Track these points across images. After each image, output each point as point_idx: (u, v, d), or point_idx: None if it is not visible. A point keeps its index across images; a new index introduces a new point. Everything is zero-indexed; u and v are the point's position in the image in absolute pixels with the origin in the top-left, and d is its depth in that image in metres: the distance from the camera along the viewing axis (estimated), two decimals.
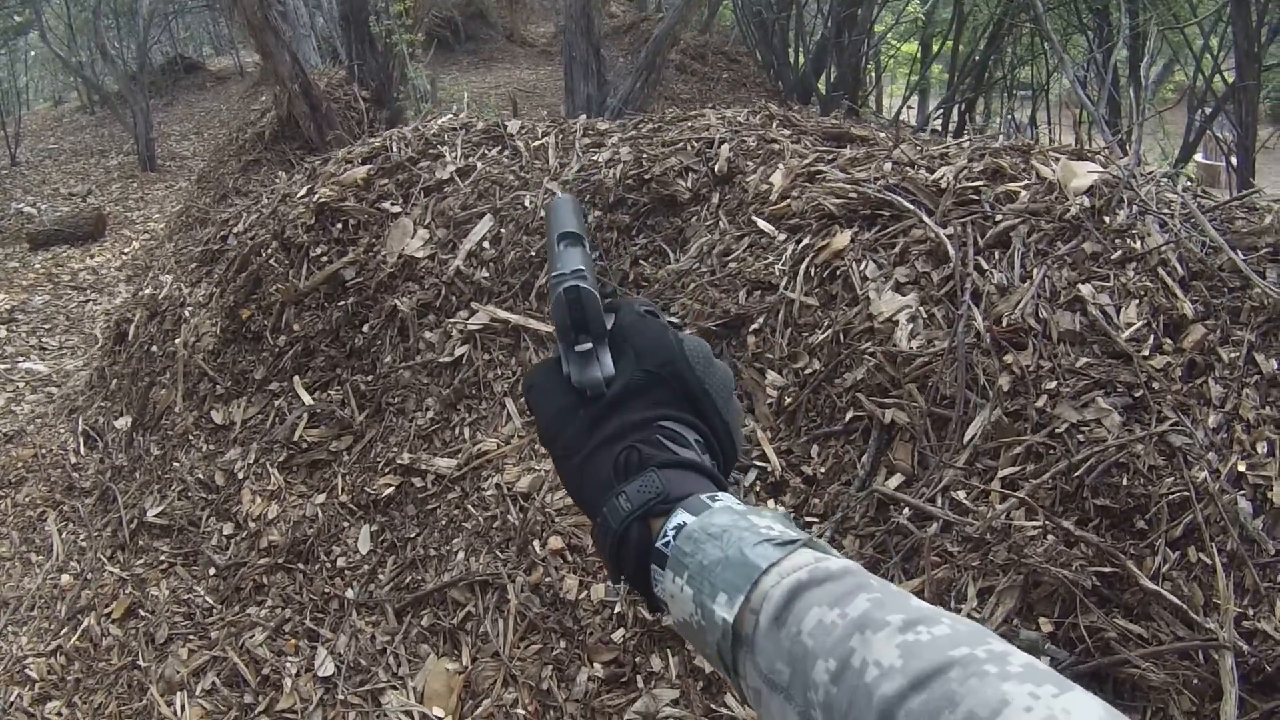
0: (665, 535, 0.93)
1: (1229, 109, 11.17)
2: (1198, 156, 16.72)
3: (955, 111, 19.52)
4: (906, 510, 3.16)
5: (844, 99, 17.55)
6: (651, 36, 11.91)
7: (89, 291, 10.30)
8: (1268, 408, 3.15)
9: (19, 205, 13.78)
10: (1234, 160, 11.10)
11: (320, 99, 11.03)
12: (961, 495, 3.13)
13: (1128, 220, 3.67)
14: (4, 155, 16.39)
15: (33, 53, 20.15)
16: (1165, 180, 4.08)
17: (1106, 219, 3.69)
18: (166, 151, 16.06)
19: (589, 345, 1.09)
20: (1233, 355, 3.26)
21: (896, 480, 3.28)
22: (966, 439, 3.22)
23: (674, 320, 3.84)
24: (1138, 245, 3.57)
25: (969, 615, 2.87)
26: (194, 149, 16.34)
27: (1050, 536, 2.95)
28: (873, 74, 22.71)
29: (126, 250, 11.59)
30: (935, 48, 20.25)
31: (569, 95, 12.32)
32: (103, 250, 11.71)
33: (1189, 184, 4.31)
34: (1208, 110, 12.00)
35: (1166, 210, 3.73)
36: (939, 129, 19.36)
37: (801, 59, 18.29)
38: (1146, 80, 13.52)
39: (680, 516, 0.94)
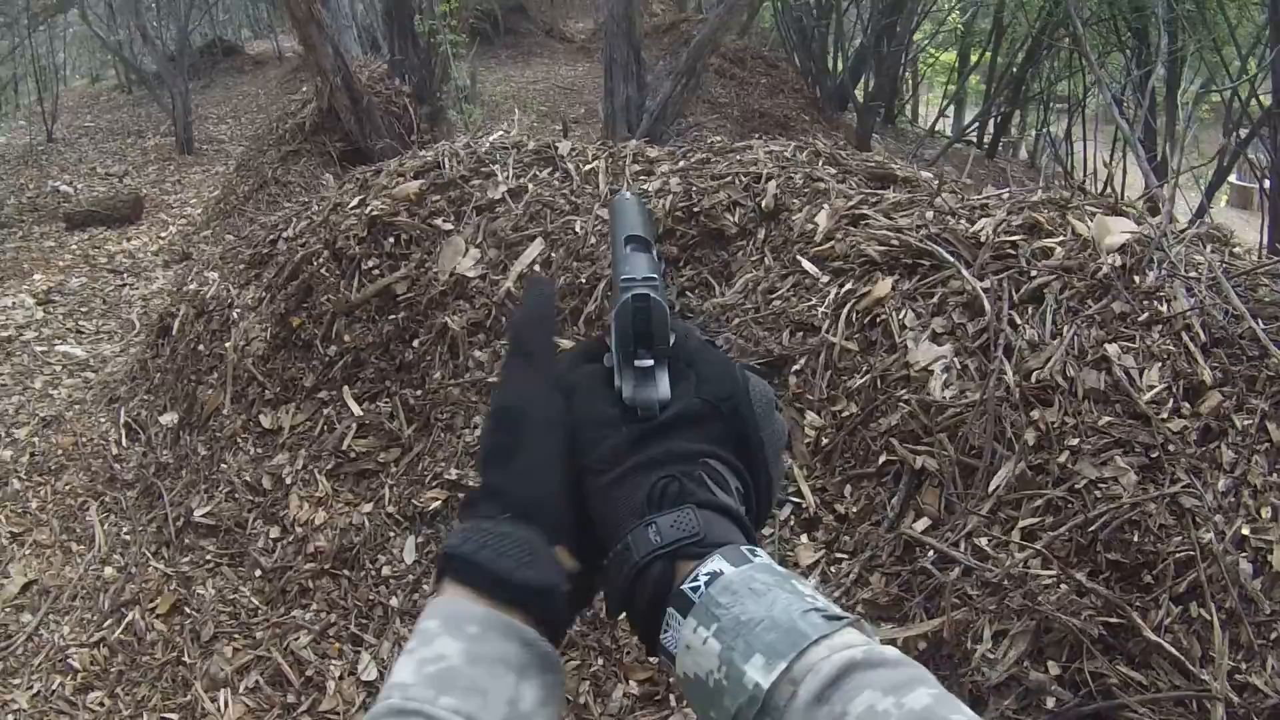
0: (696, 580, 0.87)
1: (1264, 133, 11.15)
2: (1232, 178, 16.74)
3: (991, 124, 19.60)
4: (931, 553, 3.30)
5: (880, 108, 17.65)
6: (693, 41, 11.98)
7: (126, 276, 10.37)
8: (1275, 475, 3.27)
9: (55, 184, 13.87)
10: (1267, 184, 11.09)
11: (362, 92, 11.13)
12: (983, 542, 3.27)
13: (1156, 282, 3.78)
14: (41, 131, 16.49)
15: (71, 29, 20.26)
16: (1196, 241, 4.18)
17: (1136, 279, 3.81)
18: (204, 135, 16.15)
19: (650, 362, 1.02)
20: (1246, 423, 3.37)
21: (923, 524, 3.42)
22: (991, 489, 3.36)
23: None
24: (1164, 309, 3.67)
25: (983, 656, 3.06)
26: (231, 133, 16.42)
27: (1064, 586, 3.09)
28: (910, 83, 22.80)
29: (163, 235, 11.68)
30: (974, 58, 20.28)
31: (608, 96, 12.38)
32: (140, 233, 11.78)
33: (1219, 244, 4.41)
34: (1243, 133, 11.95)
35: (1194, 274, 3.83)
36: (974, 140, 19.47)
37: (840, 66, 18.34)
38: (1183, 110, 13.53)
39: (717, 563, 0.88)
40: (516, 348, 1.09)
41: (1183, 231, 4.24)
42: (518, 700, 0.86)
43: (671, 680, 3.43)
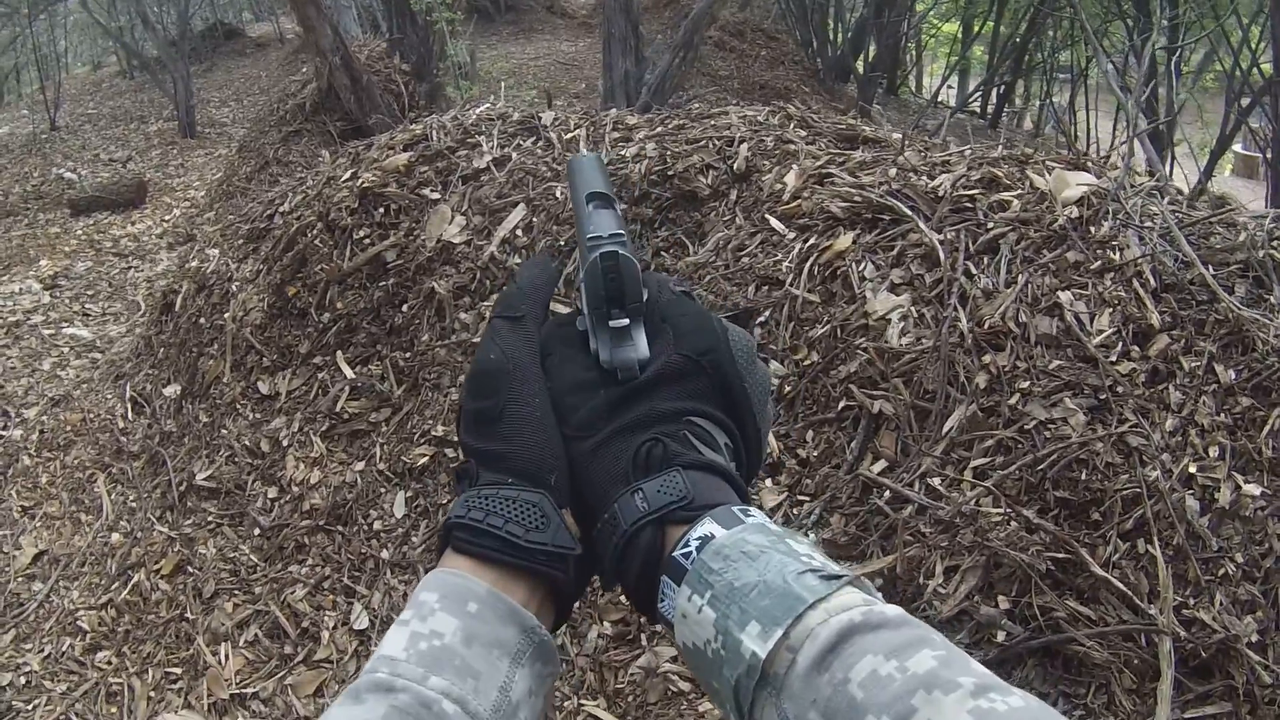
0: (686, 545, 0.85)
1: (1265, 102, 11.15)
2: (1237, 147, 16.74)
3: (994, 93, 19.62)
4: (887, 493, 3.44)
5: (881, 79, 17.68)
6: (690, 14, 12.08)
7: (130, 259, 10.49)
8: (1222, 415, 3.39)
9: (60, 170, 13.99)
10: (1269, 154, 11.10)
11: (361, 72, 11.26)
12: (937, 482, 3.39)
13: (1110, 232, 3.90)
14: (44, 120, 16.60)
15: (72, 17, 20.34)
16: (1154, 193, 4.30)
17: (1093, 229, 3.93)
18: (206, 118, 16.27)
19: (625, 321, 1.00)
20: (1194, 365, 3.49)
21: (880, 465, 3.55)
22: (944, 431, 3.49)
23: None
24: (1116, 257, 3.80)
25: (935, 591, 3.18)
26: (233, 115, 16.52)
27: (1013, 523, 3.20)
28: (913, 53, 22.78)
29: (167, 218, 11.81)
30: (976, 28, 20.27)
31: (607, 71, 12.46)
32: (144, 217, 11.90)
33: (1179, 196, 4.52)
34: (1245, 102, 11.95)
35: (1149, 224, 3.95)
36: (978, 110, 19.50)
37: (841, 38, 18.35)
38: (1180, 73, 13.50)
39: (707, 527, 0.86)
40: (504, 311, 1.05)
41: (1141, 184, 4.35)
42: (509, 688, 0.85)
43: (643, 621, 3.59)
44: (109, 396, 6.43)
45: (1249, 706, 2.95)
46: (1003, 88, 19.48)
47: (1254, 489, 3.23)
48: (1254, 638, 3.01)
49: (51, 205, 12.59)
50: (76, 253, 10.75)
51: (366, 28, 14.85)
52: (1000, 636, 3.11)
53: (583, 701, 3.51)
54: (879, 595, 0.81)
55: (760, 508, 3.61)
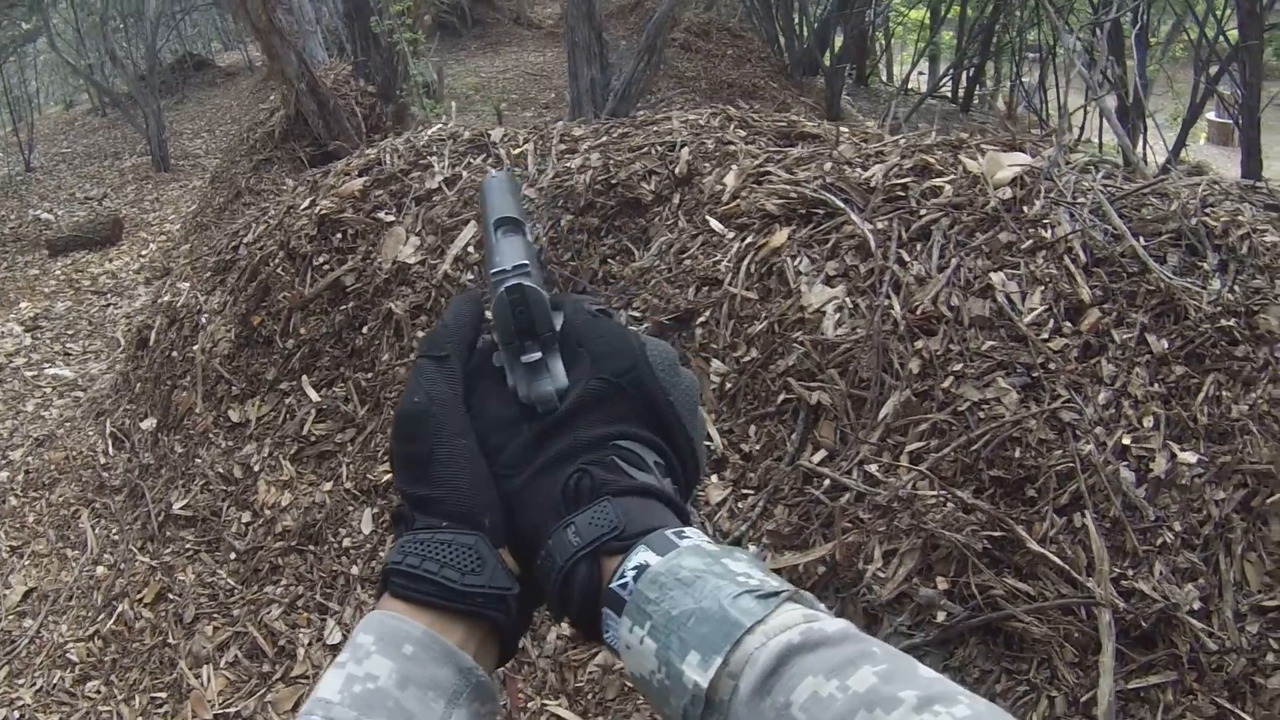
0: (623, 577, 0.85)
1: (1233, 69, 11.23)
2: (1209, 114, 16.82)
3: (965, 77, 19.66)
4: (827, 482, 3.51)
5: (851, 70, 17.69)
6: (653, 18, 12.13)
7: (109, 295, 10.59)
8: (1156, 385, 3.43)
9: (36, 212, 14.07)
10: (1240, 120, 11.17)
11: (327, 96, 11.31)
12: (874, 468, 3.46)
13: (1041, 211, 3.95)
14: (19, 161, 16.67)
15: (42, 57, 20.40)
16: (1090, 168, 4.37)
17: (1025, 209, 3.98)
18: (179, 150, 16.34)
19: (538, 354, 0.98)
20: (1126, 337, 3.53)
21: (820, 455, 3.62)
22: (880, 418, 3.56)
23: (635, 315, 4.23)
24: (1047, 235, 3.86)
25: (874, 575, 3.23)
26: (206, 146, 16.59)
27: (949, 505, 3.26)
28: (882, 42, 22.81)
29: (144, 253, 11.90)
30: (944, 12, 20.24)
31: (573, 80, 12.47)
32: (121, 254, 12.00)
33: (1115, 169, 4.59)
34: (1213, 70, 11.99)
35: (1082, 200, 4.00)
36: (949, 95, 19.55)
37: (807, 31, 18.36)
38: (1146, 44, 13.53)
39: (642, 555, 0.85)
40: (429, 350, 1.03)
41: (1075, 161, 4.42)
42: None
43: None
44: (91, 434, 6.51)
45: (1195, 674, 2.97)
46: (972, 70, 19.50)
47: (1190, 456, 3.26)
48: (1195, 605, 3.04)
49: (29, 247, 12.67)
50: (56, 293, 10.83)
51: (334, 51, 14.91)
52: (940, 617, 3.14)
53: (545, 701, 3.61)
54: (822, 607, 0.81)
55: (702, 515, 3.72)
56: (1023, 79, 18.81)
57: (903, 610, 3.20)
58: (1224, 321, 3.50)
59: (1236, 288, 3.65)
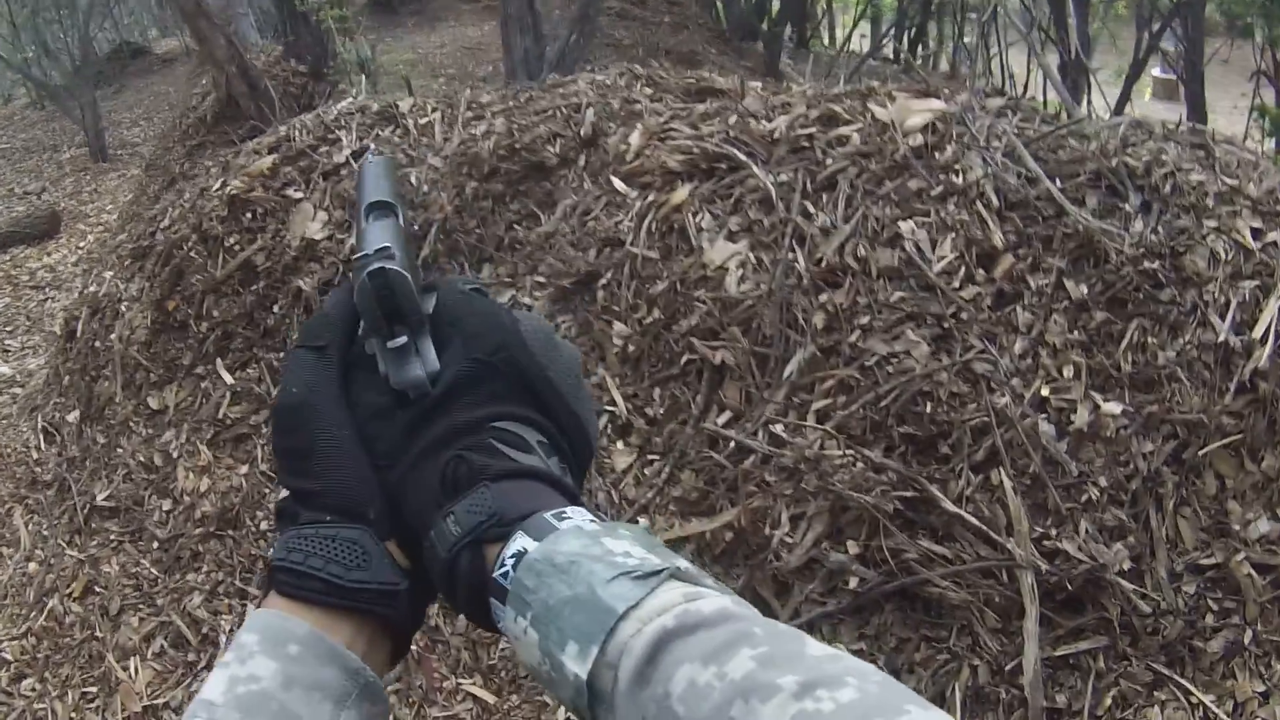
0: (503, 565, 0.81)
1: (1175, 25, 11.22)
2: (1155, 71, 16.85)
3: (906, 38, 19.60)
4: (733, 445, 3.43)
5: (793, 33, 17.62)
6: None
7: (47, 290, 10.48)
8: (1075, 332, 3.35)
9: None
10: (1182, 74, 11.18)
11: (259, 78, 11.18)
12: (779, 428, 3.37)
13: (953, 156, 3.87)
14: None
15: None
16: (1005, 112, 4.31)
17: (937, 155, 3.91)
18: (118, 140, 16.13)
19: (404, 339, 0.93)
20: (1042, 282, 3.46)
21: (726, 417, 3.54)
22: (785, 376, 3.48)
23: (540, 280, 4.17)
24: (959, 180, 3.78)
25: (781, 541, 3.15)
26: (144, 134, 16.33)
27: (858, 464, 3.16)
28: (824, 4, 22.71)
29: (82, 245, 11.76)
30: None
31: (507, 52, 12.41)
32: (59, 247, 11.85)
33: (1033, 112, 4.54)
34: (1156, 27, 11.97)
35: (997, 143, 3.93)
36: (891, 57, 19.49)
37: None
38: (1081, 3, 13.53)
39: (520, 542, 0.81)
40: (306, 340, 0.98)
41: (989, 104, 4.35)
42: None
43: None
44: (24, 429, 6.43)
45: (1129, 639, 2.92)
46: (913, 31, 19.45)
47: (1114, 407, 3.19)
48: (1126, 565, 2.97)
49: None
50: None
51: (267, 33, 14.74)
52: (853, 583, 3.05)
53: (460, 680, 3.57)
54: (708, 581, 0.77)
55: (609, 483, 3.67)
56: (964, 39, 18.76)
57: (814, 577, 3.11)
58: (1147, 264, 3.44)
59: (1160, 229, 3.59)
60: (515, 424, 0.92)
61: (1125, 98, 11.94)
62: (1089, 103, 11.43)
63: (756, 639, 0.68)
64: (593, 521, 0.83)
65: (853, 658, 0.66)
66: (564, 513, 0.84)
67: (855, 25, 20.31)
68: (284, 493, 0.95)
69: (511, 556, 0.81)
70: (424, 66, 16.18)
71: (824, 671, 0.64)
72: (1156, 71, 17.53)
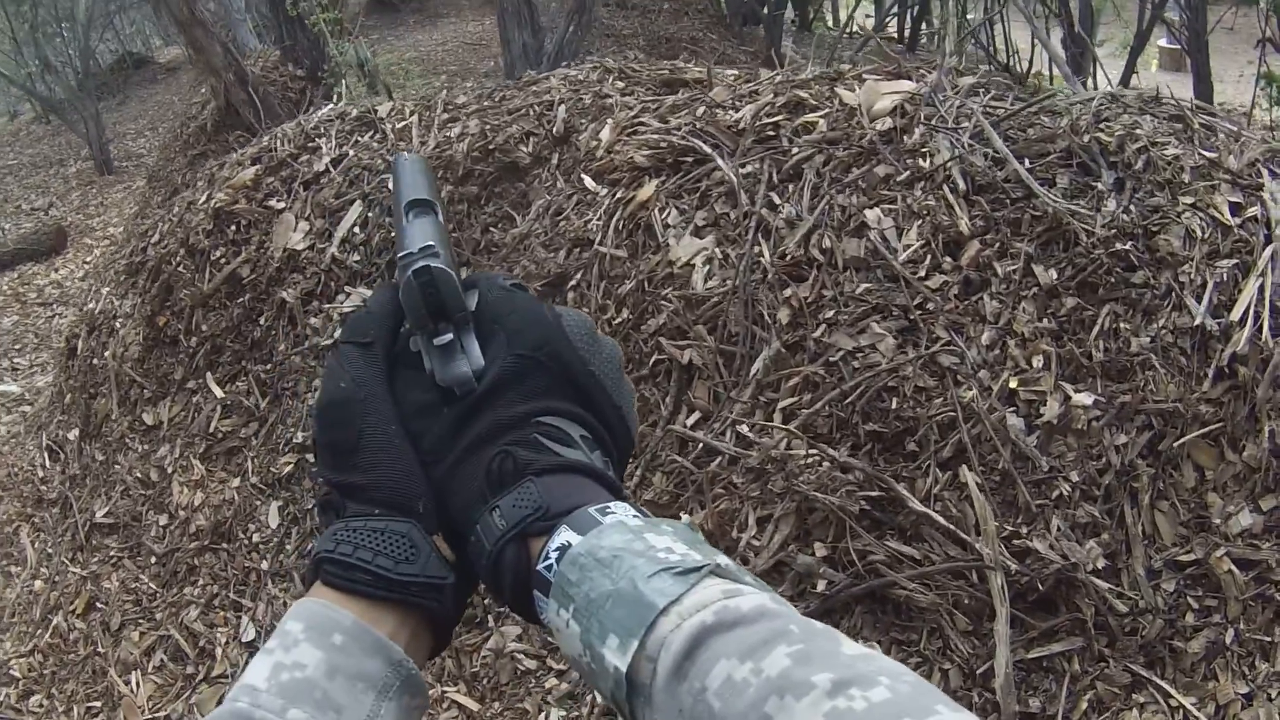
0: (547, 558, 0.82)
1: None
2: (1161, 41, 16.65)
3: (909, 16, 19.43)
4: (701, 446, 3.39)
5: (794, 16, 17.48)
6: None
7: (55, 306, 10.54)
8: (1045, 320, 3.25)
9: None
10: (1186, 43, 11.02)
11: (257, 84, 11.23)
12: (746, 429, 3.32)
13: (920, 139, 3.79)
14: None
15: None
16: (980, 91, 4.23)
17: (906, 139, 3.82)
18: (123, 152, 16.20)
19: (450, 336, 0.95)
20: (1010, 269, 3.35)
21: (695, 417, 3.51)
22: (751, 374, 3.41)
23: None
24: (926, 164, 3.69)
25: (749, 544, 3.09)
26: (149, 145, 16.38)
27: (824, 464, 3.10)
28: None
29: (88, 259, 11.81)
30: None
31: (505, 46, 12.40)
32: (66, 262, 11.92)
33: (1007, 90, 4.46)
34: None
35: (966, 124, 3.83)
36: (895, 36, 19.32)
37: None
38: None
39: (564, 536, 0.83)
40: (353, 336, 0.99)
41: (960, 84, 4.27)
42: None
43: (487, 603, 3.68)
44: (30, 448, 6.49)
45: (1106, 639, 2.86)
46: (916, 9, 19.27)
47: (1085, 398, 3.10)
48: (1100, 564, 2.90)
49: None
50: (3, 309, 10.77)
51: (266, 38, 14.76)
52: (821, 586, 3.00)
53: (445, 688, 3.60)
54: (749, 578, 0.78)
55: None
56: (968, 15, 18.56)
57: (782, 580, 3.05)
58: (1119, 245, 3.32)
59: (1133, 207, 3.46)
60: (559, 419, 0.94)
61: (1130, 69, 11.78)
62: (1093, 77, 11.31)
63: (793, 637, 0.69)
64: (636, 517, 0.84)
65: (886, 658, 0.68)
66: (608, 508, 0.85)
67: (857, 5, 20.13)
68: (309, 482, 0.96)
69: (556, 550, 0.82)
70: (425, 64, 16.18)
71: (857, 670, 0.65)
72: (1163, 42, 17.32)
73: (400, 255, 0.99)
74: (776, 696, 0.64)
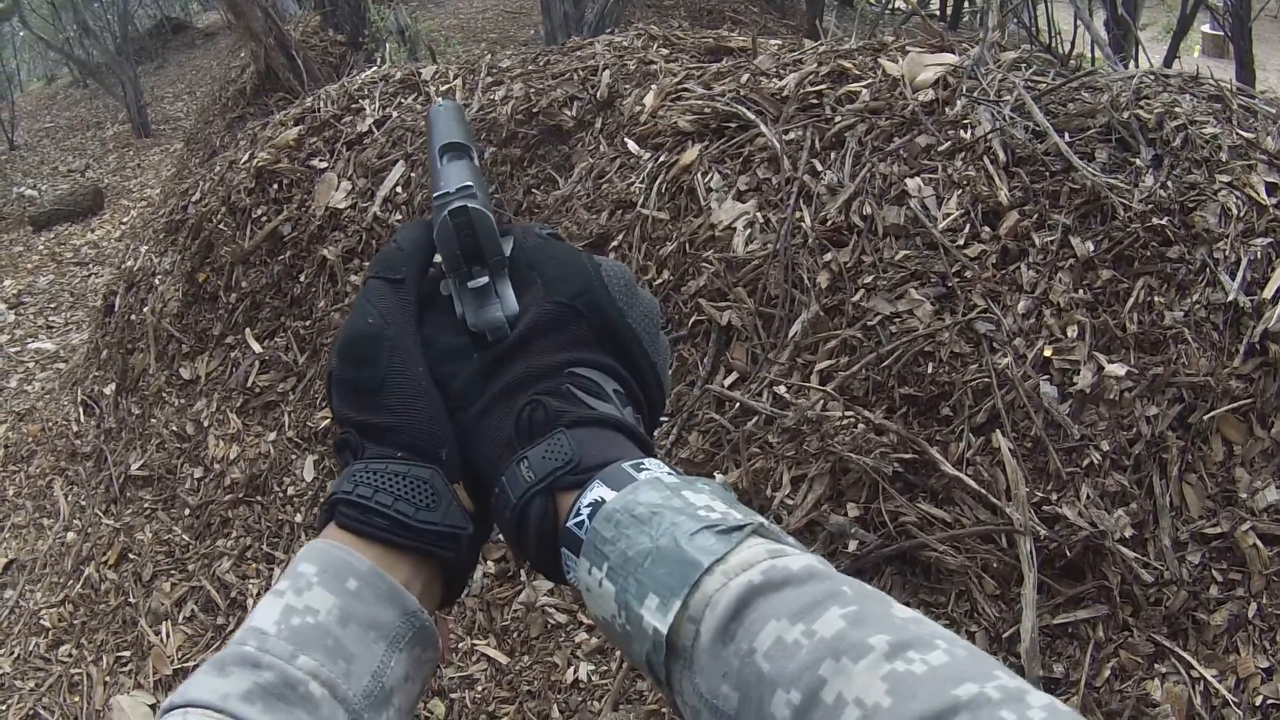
0: (579, 514, 0.79)
1: None
2: (1204, 27, 16.52)
3: None
4: (738, 406, 3.42)
5: None
6: None
7: (91, 266, 10.63)
8: (1081, 291, 3.24)
9: (20, 189, 14.06)
10: (1228, 27, 10.92)
11: (297, 49, 11.26)
12: (783, 390, 3.34)
13: (962, 111, 3.80)
14: (2, 140, 16.65)
15: (21, 34, 20.29)
16: (1021, 65, 4.23)
17: (947, 110, 3.83)
18: (160, 115, 16.29)
19: (485, 279, 0.92)
20: (1048, 240, 3.35)
21: (732, 378, 3.53)
22: (789, 336, 3.45)
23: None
24: (966, 135, 3.70)
25: (782, 502, 3.11)
26: (187, 109, 16.49)
27: (860, 426, 3.12)
28: None
29: (125, 220, 11.91)
30: None
31: (545, 14, 12.35)
32: (103, 223, 12.02)
33: (1048, 65, 4.45)
34: None
35: (1007, 97, 3.84)
36: (937, 14, 19.19)
37: None
38: None
39: (597, 491, 0.79)
40: (383, 271, 0.96)
41: (1003, 58, 4.27)
42: (383, 673, 0.80)
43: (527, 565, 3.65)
44: (65, 403, 6.55)
45: (1130, 608, 2.84)
46: None
47: (1118, 369, 3.08)
48: (1127, 533, 2.89)
49: (14, 225, 12.68)
50: (39, 268, 10.86)
51: (306, 3, 14.78)
52: (852, 546, 3.00)
53: (475, 641, 3.63)
54: (790, 540, 0.75)
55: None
56: None
57: (814, 539, 3.05)
58: (1155, 220, 3.31)
59: (1170, 183, 3.44)
60: (593, 371, 0.91)
61: (1173, 54, 11.67)
62: (1134, 60, 11.22)
63: (846, 598, 0.66)
64: (670, 474, 0.81)
65: (933, 622, 0.65)
66: (642, 464, 0.82)
67: None
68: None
69: (588, 506, 0.79)
70: (465, 31, 16.16)
71: (913, 633, 0.63)
72: (1206, 27, 17.19)
73: (436, 195, 0.96)
74: (832, 659, 0.62)
